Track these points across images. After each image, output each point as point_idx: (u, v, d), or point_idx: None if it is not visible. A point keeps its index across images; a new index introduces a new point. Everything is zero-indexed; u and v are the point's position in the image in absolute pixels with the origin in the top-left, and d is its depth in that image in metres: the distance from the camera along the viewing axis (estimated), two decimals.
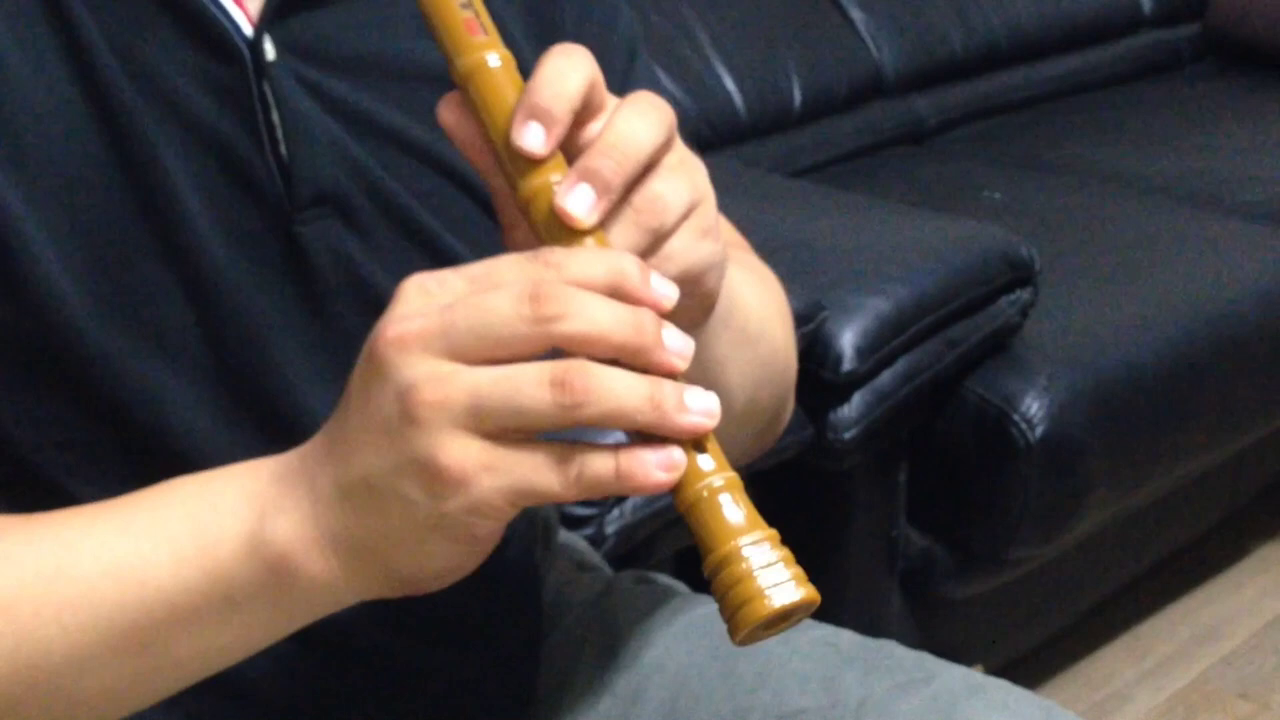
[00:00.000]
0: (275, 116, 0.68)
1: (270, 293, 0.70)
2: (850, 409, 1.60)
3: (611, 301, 0.55)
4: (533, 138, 0.58)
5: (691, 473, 0.56)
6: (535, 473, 0.54)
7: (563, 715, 0.88)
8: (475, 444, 0.54)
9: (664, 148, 0.60)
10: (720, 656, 0.86)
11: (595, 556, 1.04)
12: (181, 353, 0.69)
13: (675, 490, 0.56)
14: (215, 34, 0.67)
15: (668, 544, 1.50)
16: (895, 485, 1.76)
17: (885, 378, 1.63)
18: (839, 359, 1.57)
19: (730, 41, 2.31)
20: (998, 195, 2.18)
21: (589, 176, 0.58)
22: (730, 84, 2.29)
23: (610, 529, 1.40)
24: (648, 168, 0.59)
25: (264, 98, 0.68)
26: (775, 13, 2.40)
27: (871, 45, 2.47)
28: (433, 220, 0.73)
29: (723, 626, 0.90)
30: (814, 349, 1.57)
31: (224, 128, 0.68)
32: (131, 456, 0.68)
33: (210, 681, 0.65)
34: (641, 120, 0.59)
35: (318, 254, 0.70)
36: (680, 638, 0.89)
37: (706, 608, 0.90)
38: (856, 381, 1.59)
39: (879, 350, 1.60)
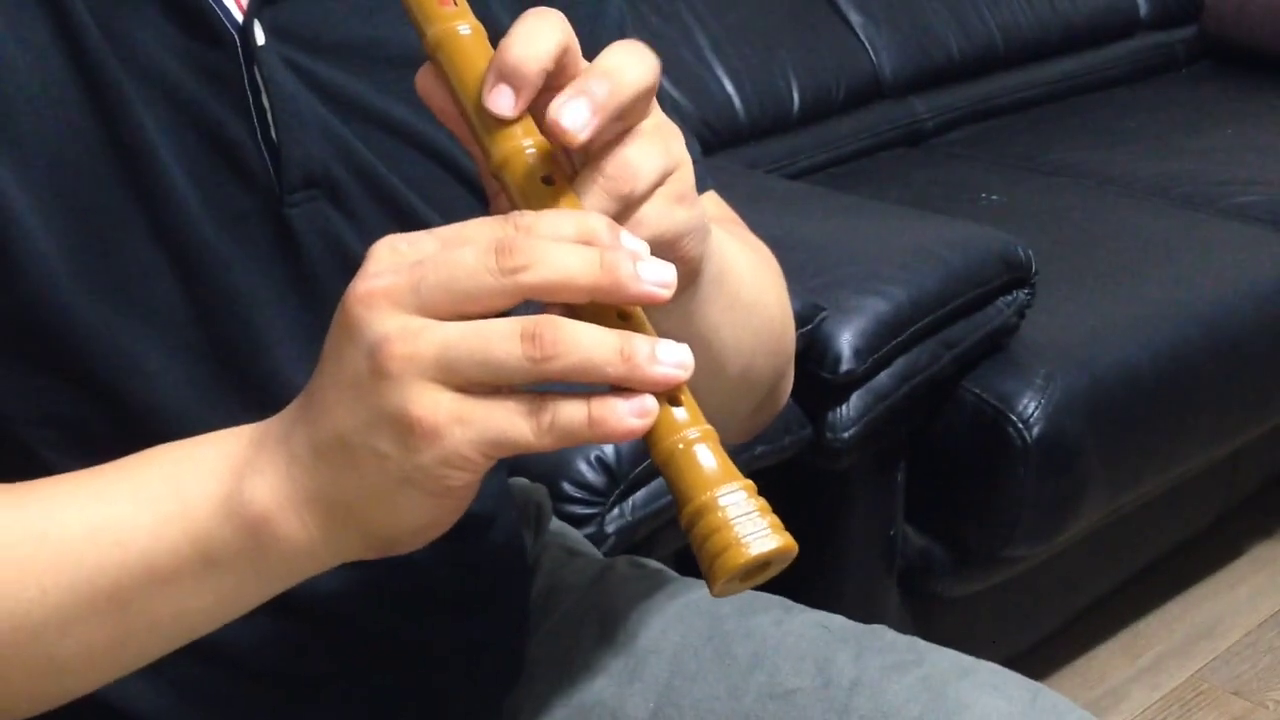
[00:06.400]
0: (265, 100, 0.69)
1: (259, 274, 0.71)
2: (848, 409, 1.60)
3: (578, 246, 0.55)
4: (502, 99, 0.58)
5: (667, 425, 0.56)
6: (507, 422, 0.54)
7: (559, 697, 0.89)
8: (446, 396, 0.54)
9: (650, 92, 0.59)
10: (715, 638, 0.87)
11: (587, 544, 1.05)
12: (171, 331, 0.69)
13: (651, 443, 0.56)
14: (205, 18, 0.68)
15: (668, 543, 1.50)
16: (893, 485, 1.76)
17: (883, 378, 1.63)
18: (837, 359, 1.57)
19: (729, 44, 2.32)
20: (995, 197, 2.19)
21: (584, 92, 0.57)
22: (729, 86, 2.29)
23: (610, 528, 1.40)
24: (626, 127, 0.59)
25: (254, 82, 0.69)
26: (774, 15, 2.40)
27: (869, 48, 2.48)
28: (420, 203, 0.74)
29: (718, 608, 0.91)
30: (812, 349, 1.57)
31: (214, 111, 0.68)
32: (119, 433, 0.68)
33: (198, 652, 0.65)
34: (633, 58, 0.59)
35: (307, 236, 0.71)
36: (676, 620, 0.89)
37: (701, 591, 0.91)
38: (855, 382, 1.59)
39: (877, 351, 1.60)
